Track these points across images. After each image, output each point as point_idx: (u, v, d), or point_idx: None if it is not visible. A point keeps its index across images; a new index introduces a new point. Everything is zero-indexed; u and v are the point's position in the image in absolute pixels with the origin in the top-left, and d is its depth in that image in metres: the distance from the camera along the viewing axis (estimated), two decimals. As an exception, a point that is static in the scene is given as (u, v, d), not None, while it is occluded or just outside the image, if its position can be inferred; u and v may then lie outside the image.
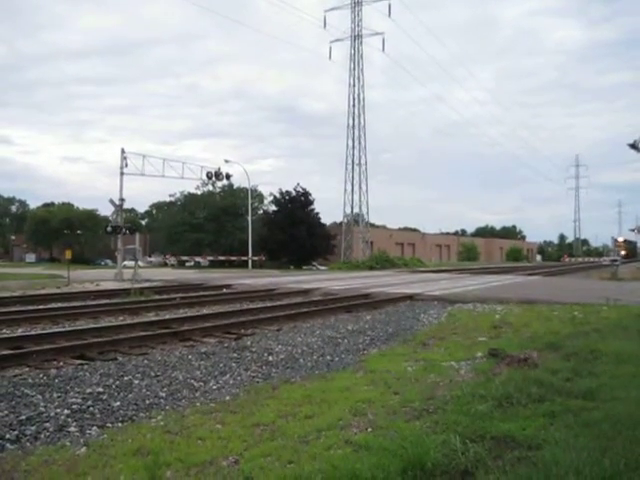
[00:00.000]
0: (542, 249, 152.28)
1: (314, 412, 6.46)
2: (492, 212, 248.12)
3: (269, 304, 19.02)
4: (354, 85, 64.38)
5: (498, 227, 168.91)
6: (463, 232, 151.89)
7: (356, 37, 64.31)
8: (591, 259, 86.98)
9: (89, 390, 7.49)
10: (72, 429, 6.08)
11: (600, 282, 34.02)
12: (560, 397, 6.58)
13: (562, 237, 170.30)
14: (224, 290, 25.59)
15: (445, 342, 11.59)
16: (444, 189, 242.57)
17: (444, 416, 5.95)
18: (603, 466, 4.32)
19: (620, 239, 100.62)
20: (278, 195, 63.79)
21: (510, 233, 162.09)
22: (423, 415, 6.18)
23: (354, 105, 64.29)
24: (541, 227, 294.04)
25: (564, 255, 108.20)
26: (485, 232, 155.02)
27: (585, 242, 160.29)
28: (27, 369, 8.85)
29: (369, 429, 5.78)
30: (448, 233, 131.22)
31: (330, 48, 65.47)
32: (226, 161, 51.97)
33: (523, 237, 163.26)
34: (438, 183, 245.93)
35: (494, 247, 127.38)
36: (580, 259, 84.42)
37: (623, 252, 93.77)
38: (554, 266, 71.74)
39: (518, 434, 5.30)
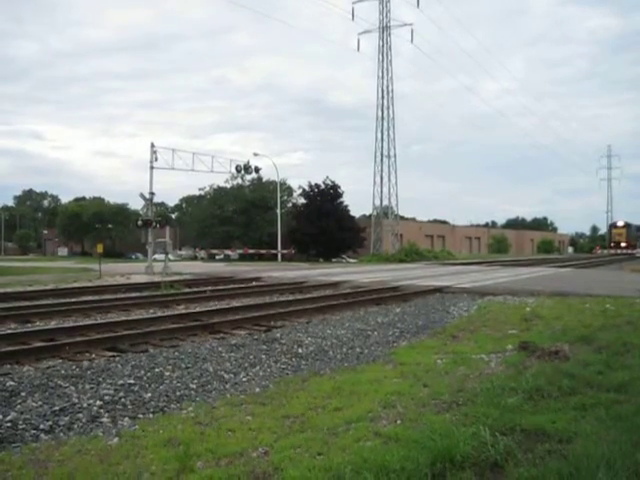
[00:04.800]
0: (574, 241, 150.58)
1: (343, 404, 6.47)
2: (523, 204, 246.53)
3: (298, 297, 19.05)
4: (383, 77, 64.14)
5: (529, 219, 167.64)
6: (493, 224, 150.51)
7: (384, 28, 64.00)
8: (624, 251, 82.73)
9: (121, 382, 7.57)
10: (104, 420, 6.17)
11: (633, 274, 33.55)
12: (591, 390, 6.52)
13: (594, 229, 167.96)
14: (253, 283, 25.69)
15: (475, 335, 11.53)
16: (474, 181, 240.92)
17: (474, 408, 5.92)
18: (635, 460, 4.28)
19: (620, 223, 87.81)
20: (307, 188, 64.05)
21: (541, 225, 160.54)
22: (453, 407, 6.16)
23: (383, 97, 64.07)
24: (573, 219, 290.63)
25: (596, 247, 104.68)
26: (516, 224, 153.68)
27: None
28: (60, 361, 8.95)
29: (398, 421, 5.78)
30: (478, 225, 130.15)
31: (358, 40, 65.11)
32: (255, 154, 52.08)
33: (554, 229, 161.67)
34: (468, 175, 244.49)
35: (525, 239, 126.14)
36: (612, 251, 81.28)
37: (623, 242, 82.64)
38: (586, 258, 70.53)
39: (549, 427, 5.26)
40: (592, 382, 6.85)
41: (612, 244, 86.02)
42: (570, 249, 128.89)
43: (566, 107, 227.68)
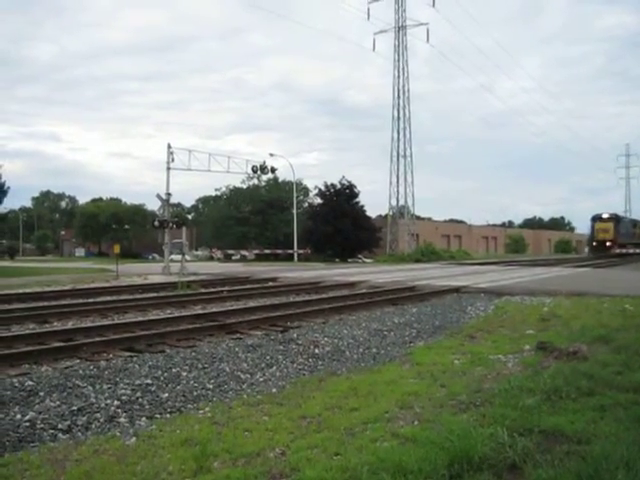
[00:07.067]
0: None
1: (360, 405, 6.46)
2: (540, 203, 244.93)
3: (315, 297, 19.03)
4: (399, 76, 63.81)
5: (546, 218, 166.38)
6: (510, 224, 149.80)
7: (400, 28, 63.66)
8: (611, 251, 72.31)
9: (138, 382, 7.60)
10: (122, 420, 6.20)
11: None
12: (610, 391, 6.46)
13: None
14: (270, 283, 25.71)
15: (492, 335, 11.47)
16: (491, 180, 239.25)
17: (491, 409, 5.90)
18: (655, 461, 4.24)
19: (605, 215, 67.28)
20: (323, 188, 63.84)
21: (558, 224, 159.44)
22: (470, 408, 6.13)
23: (399, 97, 63.75)
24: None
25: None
26: (533, 223, 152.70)
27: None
28: (78, 361, 9.00)
29: (416, 422, 5.76)
30: (495, 225, 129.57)
31: (374, 40, 64.81)
32: (271, 155, 52.16)
33: (572, 228, 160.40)
34: (484, 174, 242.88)
35: (542, 239, 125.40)
36: (631, 250, 75.80)
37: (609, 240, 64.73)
38: (603, 257, 68.98)
39: (567, 428, 5.22)
40: (611, 383, 6.79)
41: (594, 243, 67.39)
42: (587, 249, 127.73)
43: (583, 105, 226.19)
